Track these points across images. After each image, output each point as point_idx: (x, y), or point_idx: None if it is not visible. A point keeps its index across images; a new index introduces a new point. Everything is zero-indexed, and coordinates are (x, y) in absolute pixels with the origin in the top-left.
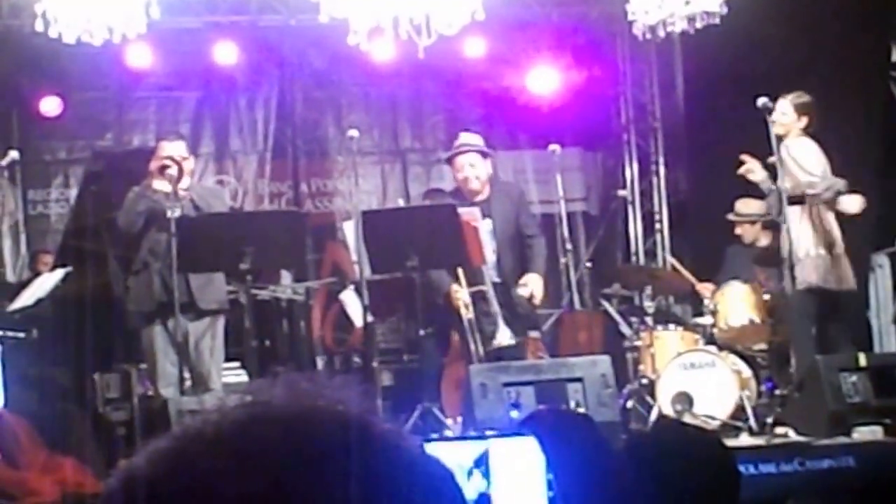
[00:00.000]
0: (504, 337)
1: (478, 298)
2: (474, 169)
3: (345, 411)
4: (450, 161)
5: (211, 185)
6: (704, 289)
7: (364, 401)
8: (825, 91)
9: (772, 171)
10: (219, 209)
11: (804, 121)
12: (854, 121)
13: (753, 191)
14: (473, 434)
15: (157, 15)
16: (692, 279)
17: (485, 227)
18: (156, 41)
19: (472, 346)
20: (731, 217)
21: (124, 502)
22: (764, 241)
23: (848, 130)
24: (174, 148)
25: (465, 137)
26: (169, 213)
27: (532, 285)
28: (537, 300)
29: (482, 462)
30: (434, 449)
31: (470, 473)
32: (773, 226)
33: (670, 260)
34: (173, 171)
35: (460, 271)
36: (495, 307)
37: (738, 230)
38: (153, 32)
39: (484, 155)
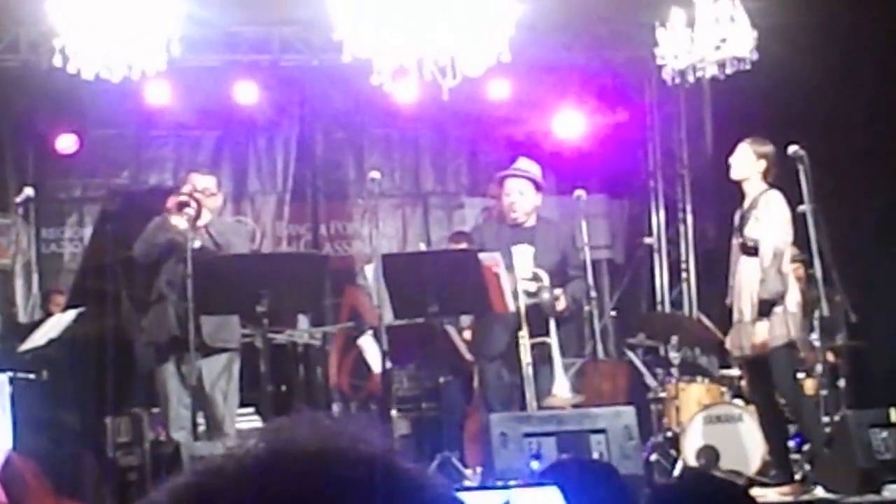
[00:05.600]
0: (562, 392)
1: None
2: (523, 197)
3: (369, 450)
4: (500, 182)
5: (231, 221)
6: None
7: (387, 441)
8: (858, 138)
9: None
10: (238, 246)
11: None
12: (888, 167)
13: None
14: (494, 484)
15: (178, 52)
16: (719, 335)
17: (526, 252)
18: (175, 79)
19: (528, 396)
20: None
21: None
22: None
23: (881, 177)
24: (204, 181)
25: (523, 163)
26: (189, 244)
27: (559, 292)
28: (560, 306)
29: None
30: None
31: None
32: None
33: (696, 314)
34: (191, 209)
35: (523, 317)
36: (557, 360)
37: None
38: (173, 70)
39: (537, 187)
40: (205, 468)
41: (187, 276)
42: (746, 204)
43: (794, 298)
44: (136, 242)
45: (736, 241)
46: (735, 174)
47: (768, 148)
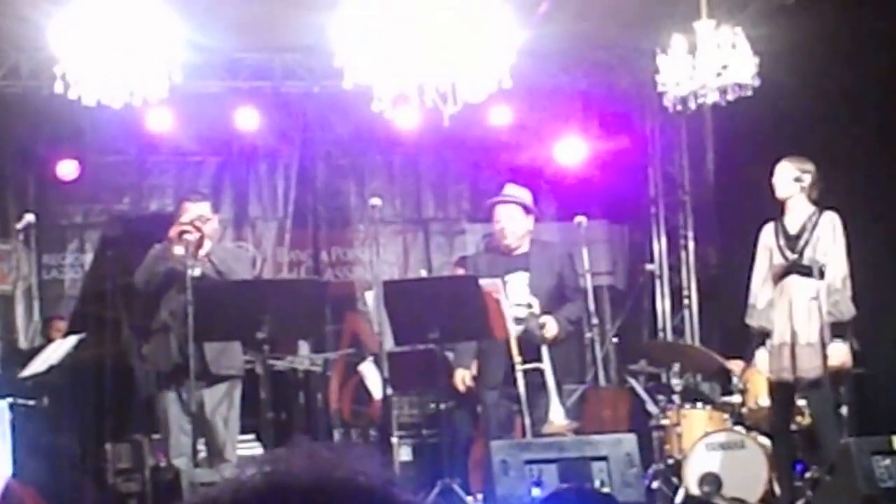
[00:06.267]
0: (558, 418)
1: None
2: (513, 222)
3: (367, 482)
4: (490, 209)
5: (232, 247)
6: (735, 365)
7: (386, 471)
8: (861, 165)
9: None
10: (240, 272)
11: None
12: (891, 194)
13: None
14: None
15: (179, 79)
16: (721, 360)
17: (521, 279)
18: (177, 105)
19: (527, 422)
20: None
21: None
22: None
23: (885, 204)
24: (198, 208)
25: (511, 189)
26: (189, 272)
27: (546, 319)
28: (548, 333)
29: None
30: None
31: None
32: None
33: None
34: (192, 237)
35: (514, 344)
36: (551, 386)
37: None
38: (174, 96)
39: (526, 210)
40: (202, 499)
41: (189, 303)
42: (796, 223)
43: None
44: (137, 272)
45: (776, 261)
46: (780, 193)
47: (809, 164)
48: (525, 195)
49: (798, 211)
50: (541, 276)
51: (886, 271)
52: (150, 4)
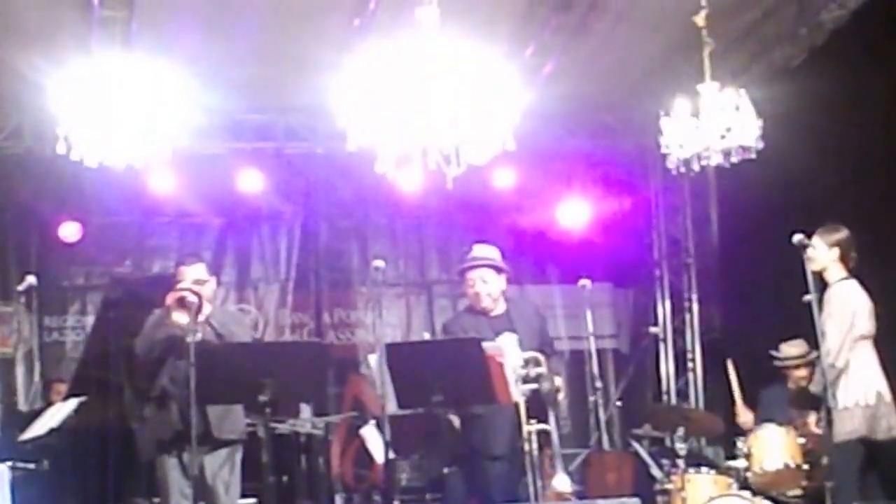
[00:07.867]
0: (562, 483)
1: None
2: (486, 285)
3: None
4: (461, 274)
5: (232, 310)
6: (744, 413)
7: None
8: (864, 228)
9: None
10: (240, 335)
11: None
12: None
13: (795, 331)
14: None
15: (182, 140)
16: (739, 399)
17: (511, 340)
18: (179, 166)
19: (532, 488)
20: (774, 354)
21: None
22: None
23: (888, 267)
24: (194, 272)
25: (479, 250)
26: (189, 338)
27: (559, 379)
28: (561, 394)
29: None
30: None
31: None
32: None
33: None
34: (193, 301)
35: (522, 407)
36: (557, 449)
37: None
38: (177, 157)
39: (498, 270)
40: None
41: (190, 366)
42: (826, 295)
43: None
44: (137, 340)
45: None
46: (812, 267)
47: (839, 235)
48: (494, 254)
49: (831, 281)
50: (529, 336)
51: (891, 334)
52: (153, 66)
